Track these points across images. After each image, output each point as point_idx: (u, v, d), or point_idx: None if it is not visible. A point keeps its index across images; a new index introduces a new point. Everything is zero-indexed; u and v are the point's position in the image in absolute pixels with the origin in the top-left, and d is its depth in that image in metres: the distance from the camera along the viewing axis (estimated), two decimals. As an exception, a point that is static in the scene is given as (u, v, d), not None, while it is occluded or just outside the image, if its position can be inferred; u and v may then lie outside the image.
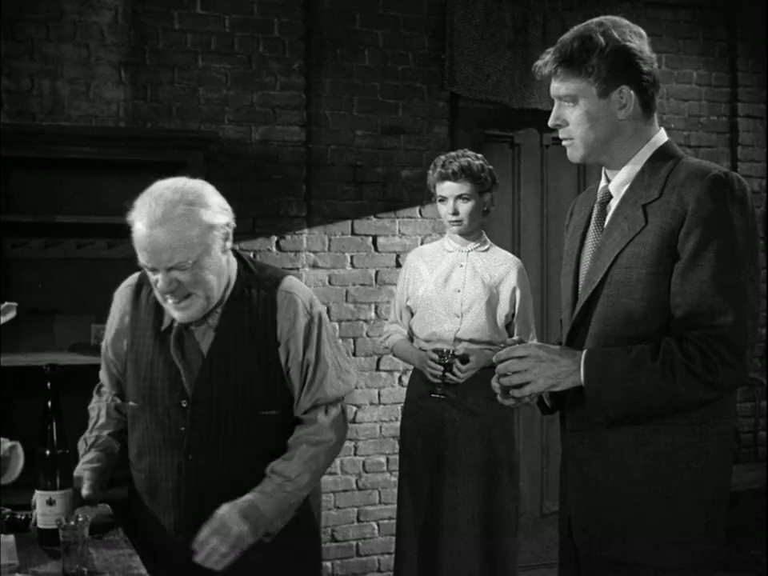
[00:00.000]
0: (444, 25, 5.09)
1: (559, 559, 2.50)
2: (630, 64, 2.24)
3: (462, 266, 3.93)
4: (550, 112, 2.36)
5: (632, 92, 2.25)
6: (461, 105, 5.24)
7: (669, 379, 2.12)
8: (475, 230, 3.95)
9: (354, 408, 5.01)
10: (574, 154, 2.33)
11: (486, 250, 3.97)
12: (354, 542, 5.05)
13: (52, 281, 4.35)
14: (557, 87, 2.29)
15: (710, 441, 2.21)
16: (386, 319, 4.41)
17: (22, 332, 4.17)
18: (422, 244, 4.89)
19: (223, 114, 4.74)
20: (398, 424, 4.12)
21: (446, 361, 3.77)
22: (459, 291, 3.89)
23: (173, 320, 2.51)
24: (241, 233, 4.65)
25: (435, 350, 3.80)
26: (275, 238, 4.83)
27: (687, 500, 2.20)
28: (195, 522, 2.37)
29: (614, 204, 2.33)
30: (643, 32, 2.29)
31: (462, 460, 3.83)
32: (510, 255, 4.02)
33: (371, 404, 5.05)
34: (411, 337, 4.03)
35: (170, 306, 2.44)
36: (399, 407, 4.25)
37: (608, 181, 2.36)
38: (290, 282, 2.57)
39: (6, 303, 2.55)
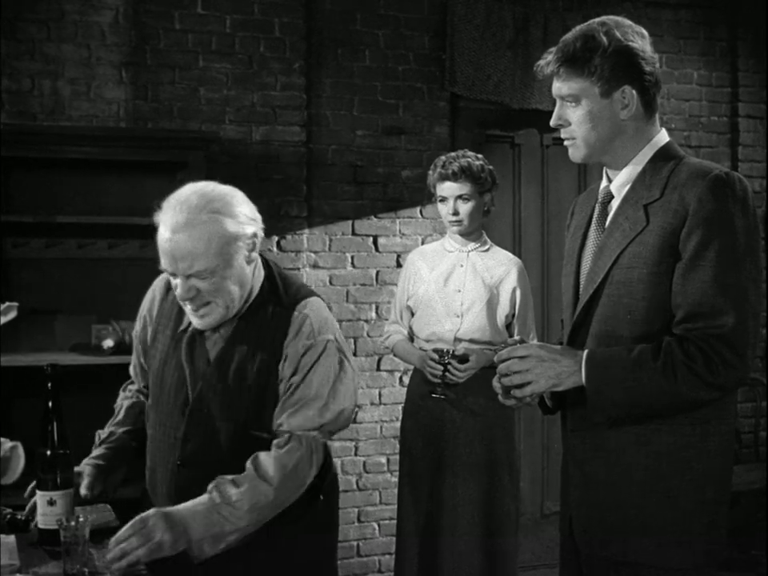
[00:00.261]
0: (445, 25, 5.09)
1: (560, 559, 2.50)
2: (633, 64, 2.24)
3: (462, 266, 3.93)
4: (550, 112, 2.36)
5: (634, 92, 2.25)
6: (461, 105, 5.24)
7: (670, 379, 2.12)
8: (475, 230, 3.95)
9: (355, 408, 5.01)
10: (576, 153, 2.33)
11: (487, 250, 3.97)
12: (355, 543, 5.05)
13: (53, 281, 4.35)
14: (559, 87, 2.29)
15: (712, 441, 2.22)
16: (387, 319, 4.41)
17: (22, 332, 4.17)
18: (422, 244, 4.89)
19: (224, 114, 4.74)
20: (399, 424, 4.12)
21: (446, 361, 3.77)
22: (459, 291, 3.89)
23: (190, 322, 2.48)
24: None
25: (435, 350, 3.80)
26: (276, 238, 4.83)
27: (688, 500, 2.20)
28: None
29: (615, 204, 2.33)
30: (645, 32, 2.29)
31: (463, 460, 3.83)
32: (511, 255, 4.02)
33: (372, 404, 5.05)
34: (412, 337, 4.03)
35: (188, 311, 2.41)
36: (400, 407, 4.25)
37: (609, 181, 2.36)
38: (310, 304, 2.47)
39: (7, 303, 2.55)
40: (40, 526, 2.31)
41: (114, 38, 4.55)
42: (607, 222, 2.33)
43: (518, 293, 3.92)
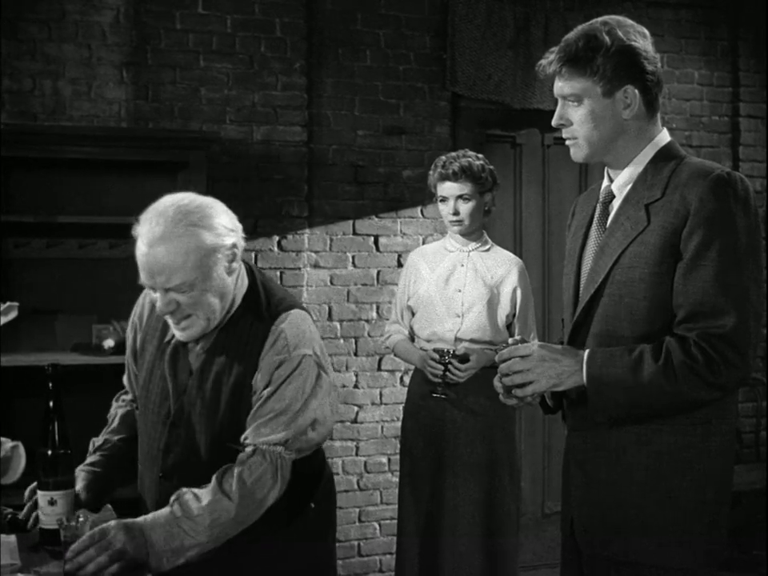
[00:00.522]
0: (446, 25, 5.08)
1: (561, 559, 2.50)
2: (635, 63, 2.24)
3: (463, 265, 3.93)
4: (551, 112, 2.36)
5: (636, 91, 2.25)
6: (462, 105, 5.23)
7: (671, 379, 2.12)
8: (476, 230, 3.95)
9: (356, 408, 5.01)
10: (578, 153, 2.33)
11: (487, 250, 3.97)
12: (356, 542, 5.05)
13: (53, 281, 4.35)
14: (561, 86, 2.29)
15: (713, 441, 2.22)
16: (388, 319, 4.41)
17: (23, 332, 4.17)
18: (423, 244, 4.89)
19: (225, 114, 4.74)
20: (400, 424, 4.12)
21: (447, 360, 3.77)
22: (460, 291, 3.89)
23: (172, 336, 2.47)
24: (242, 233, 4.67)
25: (436, 350, 3.80)
26: (277, 238, 4.83)
27: (689, 500, 2.21)
28: None
29: (616, 204, 2.33)
30: (647, 32, 2.29)
31: (463, 460, 3.83)
32: (512, 255, 4.02)
33: (373, 404, 5.05)
34: (412, 337, 4.03)
35: (170, 324, 2.40)
36: (401, 407, 4.25)
37: (610, 180, 2.36)
38: (289, 317, 2.42)
39: (8, 303, 2.55)
40: (41, 525, 2.31)
41: (114, 38, 4.55)
42: (608, 222, 2.33)
43: (518, 293, 3.92)
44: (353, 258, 5.00)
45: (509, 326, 3.94)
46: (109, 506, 2.59)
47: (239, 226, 2.42)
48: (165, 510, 2.25)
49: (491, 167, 3.94)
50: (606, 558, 2.28)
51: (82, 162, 4.14)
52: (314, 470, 2.55)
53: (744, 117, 5.69)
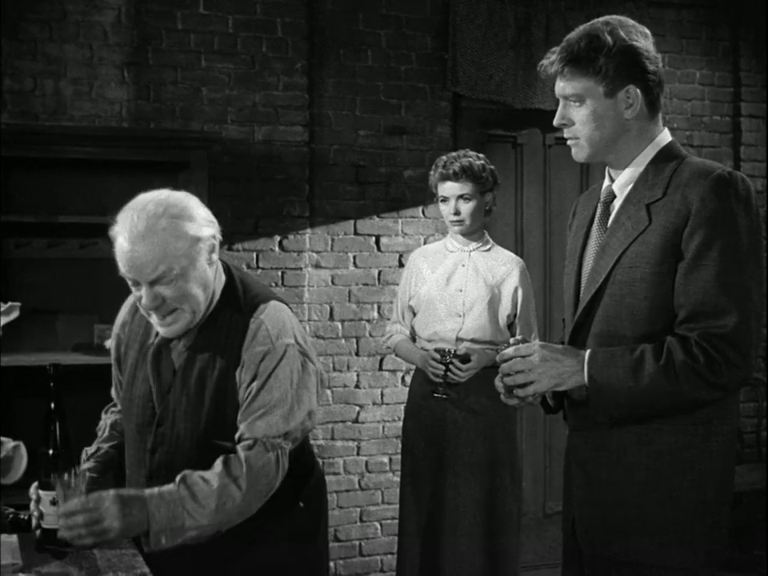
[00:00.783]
0: (447, 25, 5.08)
1: (562, 559, 2.50)
2: (637, 63, 2.24)
3: (464, 265, 3.93)
4: (552, 112, 2.36)
5: (638, 91, 2.25)
6: (463, 105, 5.24)
7: (672, 379, 2.11)
8: (477, 229, 3.95)
9: (357, 408, 5.02)
10: (580, 153, 2.33)
11: (489, 249, 3.97)
12: (357, 542, 5.05)
13: (55, 281, 4.35)
14: (563, 87, 2.29)
15: (714, 441, 2.21)
16: (389, 319, 4.41)
17: (24, 332, 4.16)
18: (424, 244, 4.89)
19: (226, 114, 4.74)
20: (401, 424, 4.12)
21: (448, 360, 3.77)
22: (461, 291, 3.89)
23: (156, 335, 2.47)
24: (243, 233, 4.68)
25: (437, 350, 3.80)
26: (278, 238, 4.83)
27: (690, 500, 2.20)
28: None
29: (617, 204, 2.33)
30: (648, 31, 2.29)
31: (464, 460, 3.83)
32: (513, 255, 4.02)
33: (374, 404, 5.05)
34: (413, 337, 4.03)
35: (154, 321, 2.39)
36: (402, 407, 4.25)
37: (611, 180, 2.36)
38: (267, 309, 2.42)
39: (10, 303, 2.55)
40: (43, 525, 2.30)
41: (116, 38, 4.55)
42: (609, 222, 2.33)
43: (519, 293, 3.92)
44: (354, 258, 5.00)
45: (510, 326, 3.94)
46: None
47: (215, 220, 2.44)
48: (170, 488, 2.24)
49: (492, 167, 3.94)
50: (607, 558, 2.28)
51: (83, 162, 4.14)
52: (303, 468, 2.55)
53: (745, 116, 5.69)
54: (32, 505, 2.33)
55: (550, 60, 2.29)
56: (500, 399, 2.35)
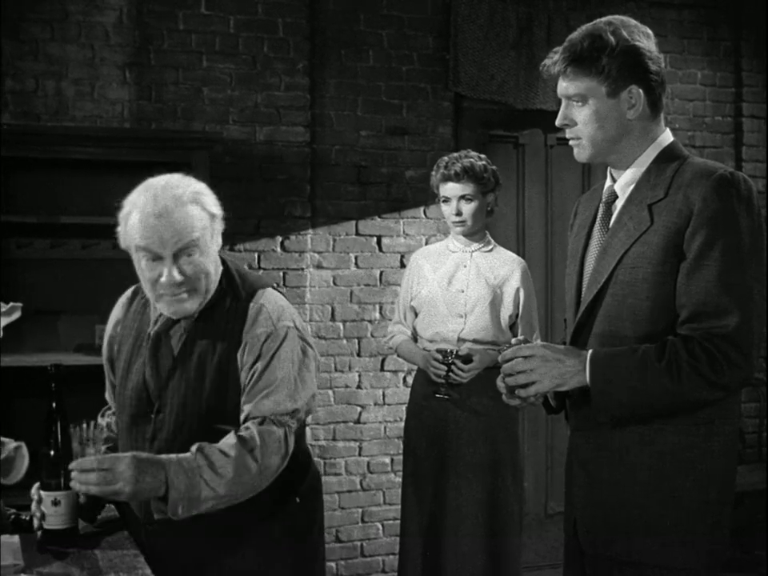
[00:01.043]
0: (448, 25, 5.08)
1: (564, 559, 2.50)
2: (640, 63, 2.24)
3: (465, 266, 3.93)
4: (554, 112, 2.36)
5: (641, 92, 2.25)
6: (465, 105, 5.23)
7: (674, 379, 2.11)
8: (479, 230, 3.95)
9: (359, 408, 5.02)
10: (582, 153, 2.33)
11: (490, 250, 3.97)
12: (359, 543, 5.05)
13: (56, 281, 4.35)
14: (565, 87, 2.29)
15: (715, 441, 2.22)
16: (390, 319, 4.41)
17: (26, 332, 4.17)
18: (426, 244, 4.89)
19: (228, 115, 4.74)
20: (403, 424, 4.12)
21: (450, 361, 3.77)
22: (463, 291, 3.89)
23: (154, 324, 2.49)
24: (245, 233, 4.68)
25: (439, 350, 3.80)
26: (280, 239, 4.83)
27: (692, 500, 2.20)
28: (158, 528, 2.40)
29: (619, 204, 2.33)
30: (650, 32, 2.30)
31: (466, 460, 3.83)
32: (514, 256, 4.02)
33: (376, 404, 5.05)
34: (415, 337, 4.03)
35: (166, 301, 2.40)
36: (404, 407, 4.25)
37: (613, 180, 2.36)
38: (265, 294, 2.48)
39: (11, 303, 2.55)
40: (45, 526, 2.31)
41: (117, 39, 4.55)
42: (611, 222, 2.33)
43: (521, 293, 3.92)
44: (356, 258, 5.00)
45: (512, 327, 3.94)
46: (111, 506, 2.59)
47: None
48: (188, 457, 2.26)
49: (494, 167, 3.94)
50: (609, 558, 2.28)
51: (84, 162, 4.15)
52: (299, 465, 2.55)
53: (747, 117, 5.69)
54: (33, 505, 2.33)
55: (553, 60, 2.29)
56: (502, 400, 2.35)
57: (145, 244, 2.35)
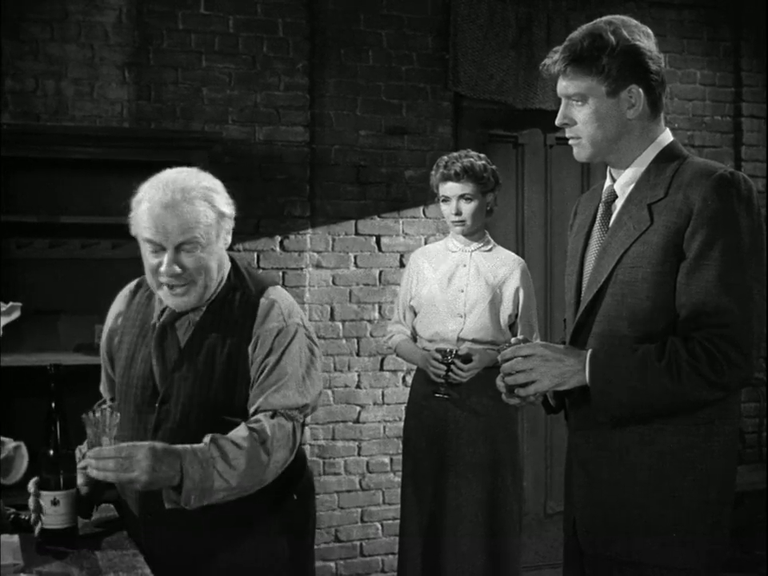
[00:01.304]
0: (448, 25, 5.08)
1: (564, 559, 2.50)
2: (640, 63, 2.24)
3: (465, 266, 3.93)
4: (553, 112, 2.36)
5: (641, 91, 2.25)
6: (464, 105, 5.24)
7: (674, 379, 2.12)
8: (478, 230, 3.95)
9: (358, 408, 5.01)
10: (581, 153, 2.33)
11: (490, 250, 3.97)
12: (358, 543, 5.05)
13: (56, 281, 4.35)
14: (565, 86, 2.29)
15: (715, 441, 2.21)
16: (390, 319, 4.41)
17: (25, 332, 4.17)
18: (425, 244, 4.89)
19: (227, 115, 4.74)
20: (402, 424, 4.12)
21: (449, 360, 3.77)
22: (462, 291, 3.89)
23: (159, 315, 2.51)
24: (245, 233, 4.68)
25: (438, 350, 3.80)
26: (279, 238, 4.83)
27: (692, 500, 2.20)
28: (157, 525, 2.40)
29: (619, 203, 2.33)
30: (650, 31, 2.30)
31: (466, 460, 3.83)
32: (514, 255, 4.02)
33: (375, 404, 5.05)
34: (415, 337, 4.03)
35: (164, 292, 2.43)
36: (403, 407, 4.25)
37: (613, 180, 2.36)
38: (275, 291, 2.53)
39: (11, 303, 2.55)
40: (44, 525, 2.31)
41: (117, 39, 4.55)
42: (611, 222, 2.33)
43: (521, 293, 3.92)
44: (355, 258, 5.00)
45: (511, 326, 3.94)
46: (111, 506, 2.59)
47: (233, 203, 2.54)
48: (202, 447, 2.28)
49: (493, 167, 3.94)
50: (609, 558, 2.28)
51: (84, 162, 4.15)
52: (296, 460, 2.55)
53: (746, 117, 5.69)
54: (30, 499, 2.33)
55: (553, 59, 2.29)
56: (501, 399, 2.36)
57: (149, 234, 2.38)
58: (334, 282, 4.97)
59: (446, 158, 3.93)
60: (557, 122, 2.33)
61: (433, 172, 3.95)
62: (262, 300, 2.48)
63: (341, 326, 4.97)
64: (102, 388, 2.73)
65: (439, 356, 3.78)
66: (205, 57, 4.69)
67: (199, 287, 2.42)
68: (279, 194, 4.82)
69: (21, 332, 4.05)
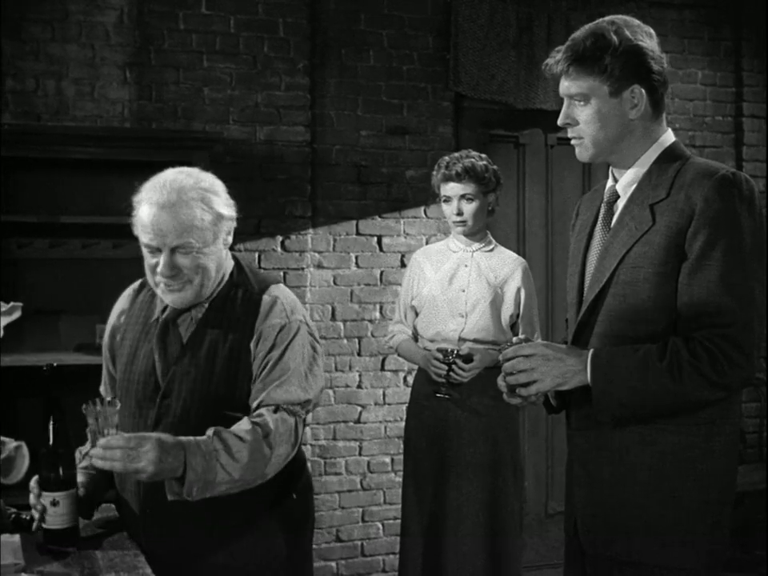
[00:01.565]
0: (449, 25, 5.08)
1: (564, 559, 2.50)
2: (642, 63, 2.24)
3: (466, 266, 3.93)
4: (554, 112, 2.35)
5: (643, 91, 2.25)
6: (465, 105, 5.23)
7: (676, 379, 2.12)
8: (480, 230, 3.95)
9: (359, 408, 5.01)
10: (583, 153, 2.33)
11: (491, 250, 3.97)
12: (359, 542, 5.05)
13: (57, 281, 4.35)
14: (567, 86, 2.29)
15: (716, 441, 2.22)
16: (391, 319, 4.41)
17: (26, 332, 4.17)
18: (426, 244, 4.89)
19: (228, 115, 4.74)
20: (403, 424, 4.12)
21: (451, 360, 3.77)
22: (464, 291, 3.89)
23: (161, 312, 2.53)
24: (245, 233, 4.68)
25: (439, 350, 3.80)
26: (280, 238, 4.83)
27: (693, 500, 2.21)
28: (157, 522, 2.41)
29: (621, 204, 2.33)
30: (653, 31, 2.30)
31: (467, 460, 3.83)
32: (515, 255, 4.02)
33: (376, 404, 5.05)
34: (416, 337, 4.03)
35: (162, 289, 2.45)
36: (404, 407, 4.25)
37: (615, 180, 2.36)
38: (278, 288, 2.55)
39: (12, 303, 2.55)
40: (45, 525, 2.31)
41: (118, 39, 4.55)
42: (613, 222, 2.33)
43: (522, 293, 3.92)
44: (356, 258, 5.00)
45: (512, 326, 3.94)
46: (112, 506, 2.59)
47: (234, 203, 2.55)
48: (205, 440, 2.29)
49: (494, 167, 3.94)
50: (609, 557, 2.28)
51: (85, 162, 4.15)
52: (296, 460, 2.56)
53: (747, 117, 5.69)
54: (32, 498, 2.33)
55: (556, 59, 2.29)
56: (502, 399, 2.36)
57: (146, 238, 2.40)
58: (335, 282, 4.97)
59: (447, 158, 3.93)
60: (559, 122, 2.33)
61: (434, 172, 3.95)
62: (265, 297, 2.50)
63: (342, 326, 4.97)
64: (103, 388, 2.73)
65: (440, 356, 3.78)
66: (206, 57, 4.69)
67: (196, 285, 2.43)
68: (280, 194, 4.82)
69: (21, 332, 4.05)
